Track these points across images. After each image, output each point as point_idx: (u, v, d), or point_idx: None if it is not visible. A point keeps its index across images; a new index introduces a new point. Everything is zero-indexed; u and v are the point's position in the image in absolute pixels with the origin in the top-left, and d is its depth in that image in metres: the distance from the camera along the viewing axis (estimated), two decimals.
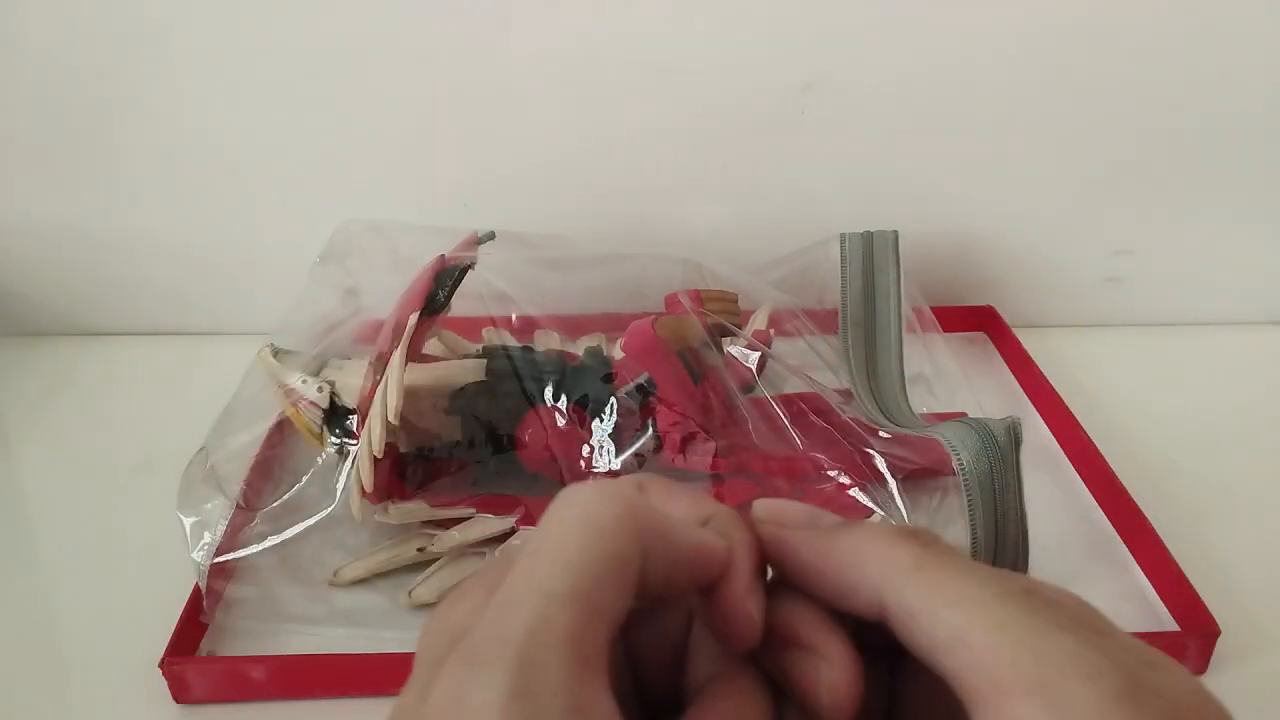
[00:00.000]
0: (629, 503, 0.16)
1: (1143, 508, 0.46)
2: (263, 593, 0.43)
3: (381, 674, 0.38)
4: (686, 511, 0.18)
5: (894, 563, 0.17)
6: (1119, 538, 0.47)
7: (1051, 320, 0.66)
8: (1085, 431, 0.52)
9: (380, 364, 0.43)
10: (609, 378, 0.47)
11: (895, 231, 0.56)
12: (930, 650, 0.16)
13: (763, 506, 0.19)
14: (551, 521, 0.16)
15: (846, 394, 0.52)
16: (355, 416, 0.44)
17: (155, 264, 0.64)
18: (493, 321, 0.53)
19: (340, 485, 0.42)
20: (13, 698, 0.40)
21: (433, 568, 0.43)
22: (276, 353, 0.48)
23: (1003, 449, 0.40)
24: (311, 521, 0.42)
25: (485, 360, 0.48)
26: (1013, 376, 0.60)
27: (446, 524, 0.44)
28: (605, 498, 0.16)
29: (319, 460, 0.45)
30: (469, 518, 0.44)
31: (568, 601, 0.15)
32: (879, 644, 0.19)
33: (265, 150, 0.59)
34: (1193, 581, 0.42)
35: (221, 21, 0.55)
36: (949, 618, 0.16)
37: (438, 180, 0.61)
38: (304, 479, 0.44)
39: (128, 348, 0.64)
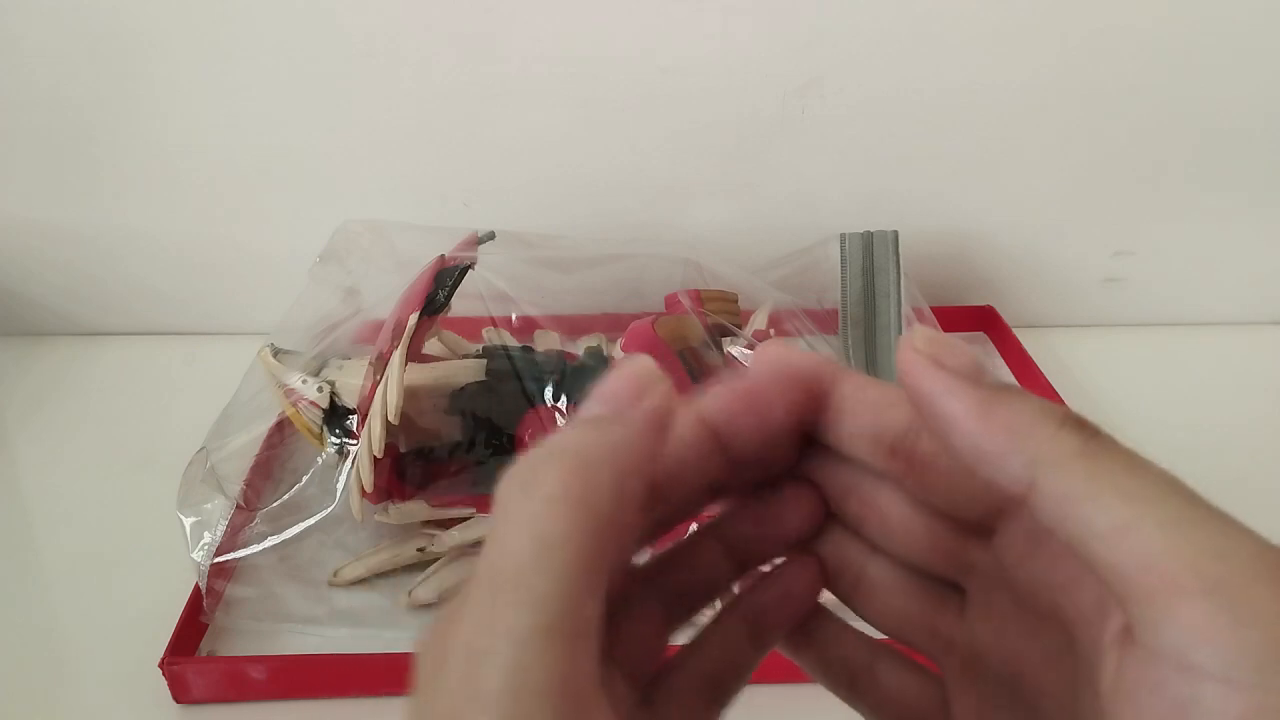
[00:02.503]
0: (573, 491, 0.15)
1: None
2: (263, 593, 0.43)
3: (381, 674, 0.38)
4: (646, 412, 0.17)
5: (1058, 443, 0.16)
6: None
7: (1051, 320, 0.66)
8: None
9: (380, 364, 0.43)
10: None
11: (895, 231, 0.56)
12: (1085, 539, 0.15)
13: (922, 337, 0.18)
14: (503, 533, 0.15)
15: None
16: (355, 416, 0.44)
17: (155, 264, 0.64)
18: (493, 321, 0.53)
19: (340, 485, 0.42)
20: (13, 697, 0.40)
21: (433, 568, 0.43)
22: (276, 353, 0.48)
23: None
24: (311, 521, 0.42)
25: (485, 360, 0.48)
26: (1013, 376, 0.60)
27: (446, 524, 0.44)
28: (549, 498, 0.15)
29: (319, 460, 0.45)
30: (469, 518, 0.44)
31: (543, 641, 0.14)
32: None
33: (266, 151, 0.59)
34: None
35: (222, 22, 0.55)
36: (1116, 508, 0.15)
37: (438, 180, 0.61)
38: (304, 479, 0.44)
39: (128, 348, 0.64)
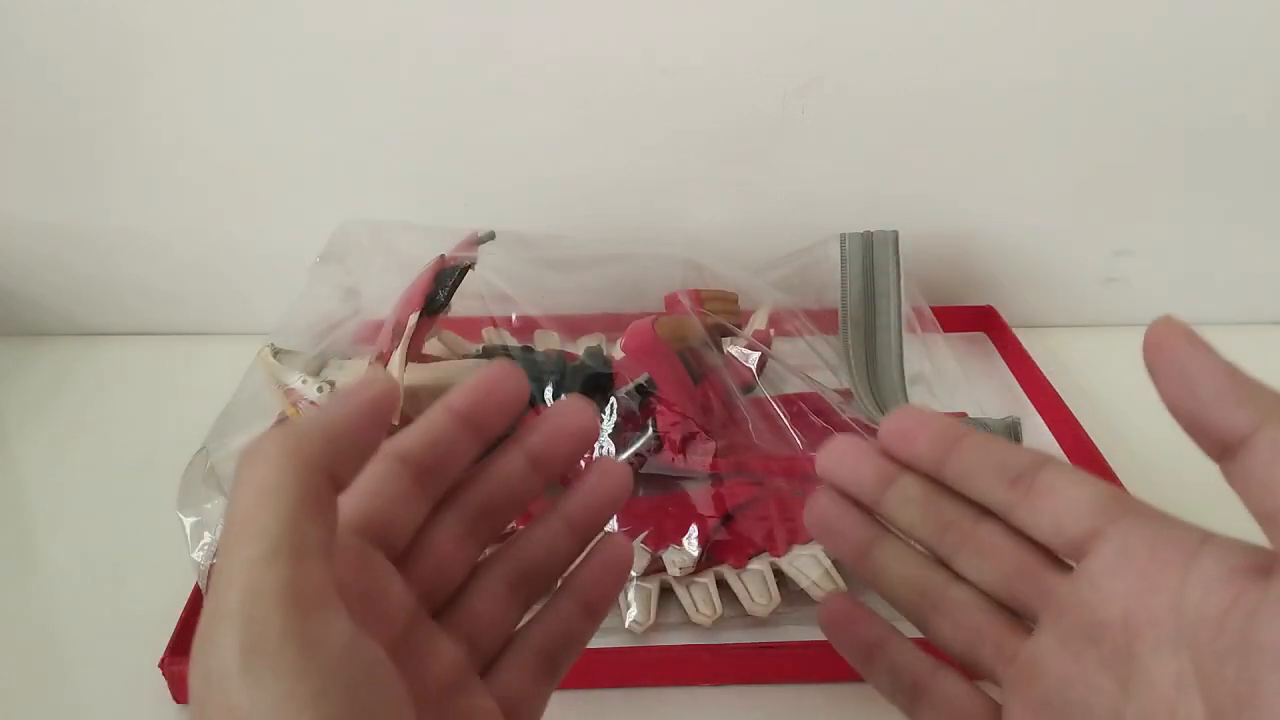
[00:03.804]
0: (285, 448, 0.19)
1: None
2: None
3: None
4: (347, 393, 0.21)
5: None
6: None
7: (1051, 320, 0.66)
8: (1085, 431, 0.52)
9: (380, 364, 0.43)
10: (609, 378, 0.47)
11: (895, 231, 0.56)
12: None
13: (1176, 319, 0.22)
14: (235, 495, 0.18)
15: (846, 394, 0.53)
16: None
17: (155, 264, 0.64)
18: (493, 321, 0.53)
19: None
20: (13, 698, 0.40)
21: None
22: (276, 353, 0.48)
23: None
24: None
25: (485, 360, 0.48)
26: (1013, 376, 0.60)
27: None
28: (265, 457, 0.18)
29: None
30: None
31: (268, 561, 0.17)
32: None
33: (265, 150, 0.59)
34: None
35: (222, 22, 0.55)
36: None
37: (438, 180, 0.61)
38: None
39: (128, 348, 0.64)
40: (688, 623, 0.41)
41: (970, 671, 0.26)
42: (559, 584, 0.26)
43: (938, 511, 0.26)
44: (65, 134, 0.58)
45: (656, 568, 0.42)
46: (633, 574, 0.41)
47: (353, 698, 0.17)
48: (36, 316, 0.65)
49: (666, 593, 0.42)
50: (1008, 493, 0.24)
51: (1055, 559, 0.24)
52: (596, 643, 0.41)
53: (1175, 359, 0.21)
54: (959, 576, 0.26)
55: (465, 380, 0.24)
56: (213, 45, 0.56)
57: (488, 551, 0.26)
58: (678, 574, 0.41)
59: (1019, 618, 0.25)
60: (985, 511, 0.25)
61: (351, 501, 0.22)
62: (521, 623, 0.26)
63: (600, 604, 0.26)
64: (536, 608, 0.27)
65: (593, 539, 0.26)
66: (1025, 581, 0.24)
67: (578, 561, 0.27)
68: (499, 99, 0.57)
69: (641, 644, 0.40)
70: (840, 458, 0.27)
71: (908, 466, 0.26)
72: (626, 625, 0.40)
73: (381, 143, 0.59)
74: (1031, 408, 0.57)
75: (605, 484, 0.26)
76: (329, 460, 0.19)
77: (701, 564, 0.42)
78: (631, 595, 0.41)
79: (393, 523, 0.22)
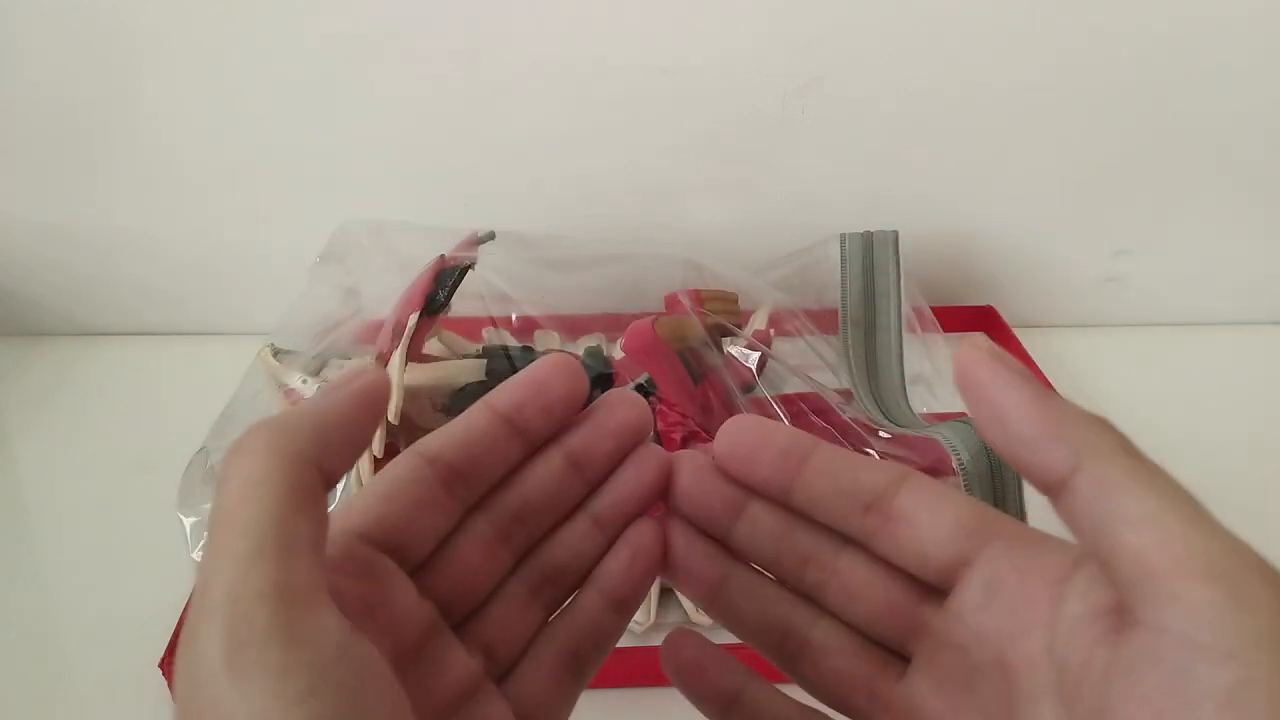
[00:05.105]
0: (272, 441, 0.18)
1: None
2: None
3: None
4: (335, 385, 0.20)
5: (1105, 438, 0.18)
6: None
7: (1051, 320, 0.66)
8: None
9: (380, 364, 0.43)
10: (609, 378, 0.47)
11: (895, 231, 0.56)
12: (1114, 523, 0.17)
13: (983, 340, 0.20)
14: (221, 490, 0.18)
15: (846, 394, 0.53)
16: None
17: (155, 264, 0.64)
18: (493, 321, 0.53)
19: (341, 486, 0.42)
20: (13, 698, 0.40)
21: None
22: (276, 353, 0.48)
23: None
24: None
25: (485, 360, 0.48)
26: None
27: None
28: (251, 451, 0.18)
29: None
30: None
31: (254, 557, 0.16)
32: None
33: (265, 150, 0.59)
34: None
35: (221, 22, 0.55)
36: (1148, 499, 0.17)
37: (437, 180, 0.61)
38: None
39: (128, 348, 0.64)
40: (688, 623, 0.41)
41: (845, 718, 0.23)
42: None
43: (793, 543, 0.23)
44: (65, 134, 0.58)
45: None
46: None
47: (344, 698, 0.16)
48: (36, 316, 0.65)
49: (666, 593, 0.42)
50: (863, 521, 0.22)
51: (926, 588, 0.22)
52: None
53: (983, 393, 0.19)
54: (825, 610, 0.23)
55: (516, 377, 0.22)
56: (213, 45, 0.56)
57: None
58: None
59: (894, 654, 0.22)
60: (847, 539, 0.22)
61: (366, 505, 0.21)
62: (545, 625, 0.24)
63: (630, 599, 0.24)
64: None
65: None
66: (895, 617, 0.22)
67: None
68: (499, 99, 0.57)
69: (641, 644, 0.40)
70: (685, 485, 0.23)
71: (754, 492, 0.23)
72: None
73: (382, 143, 0.59)
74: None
75: (641, 477, 0.23)
76: (318, 453, 0.18)
77: None
78: None
79: (412, 529, 0.21)
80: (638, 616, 0.40)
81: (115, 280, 0.64)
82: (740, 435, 0.23)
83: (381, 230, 0.53)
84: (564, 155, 0.60)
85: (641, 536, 0.23)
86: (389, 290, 0.47)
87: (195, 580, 0.17)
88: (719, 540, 0.24)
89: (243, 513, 0.17)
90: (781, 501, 0.23)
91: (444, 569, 0.22)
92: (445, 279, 0.45)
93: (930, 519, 0.21)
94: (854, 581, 0.22)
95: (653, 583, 0.24)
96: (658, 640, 0.40)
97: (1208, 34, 0.56)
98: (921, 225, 0.59)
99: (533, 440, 0.22)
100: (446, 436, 0.22)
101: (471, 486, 0.22)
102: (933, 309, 0.56)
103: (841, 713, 0.23)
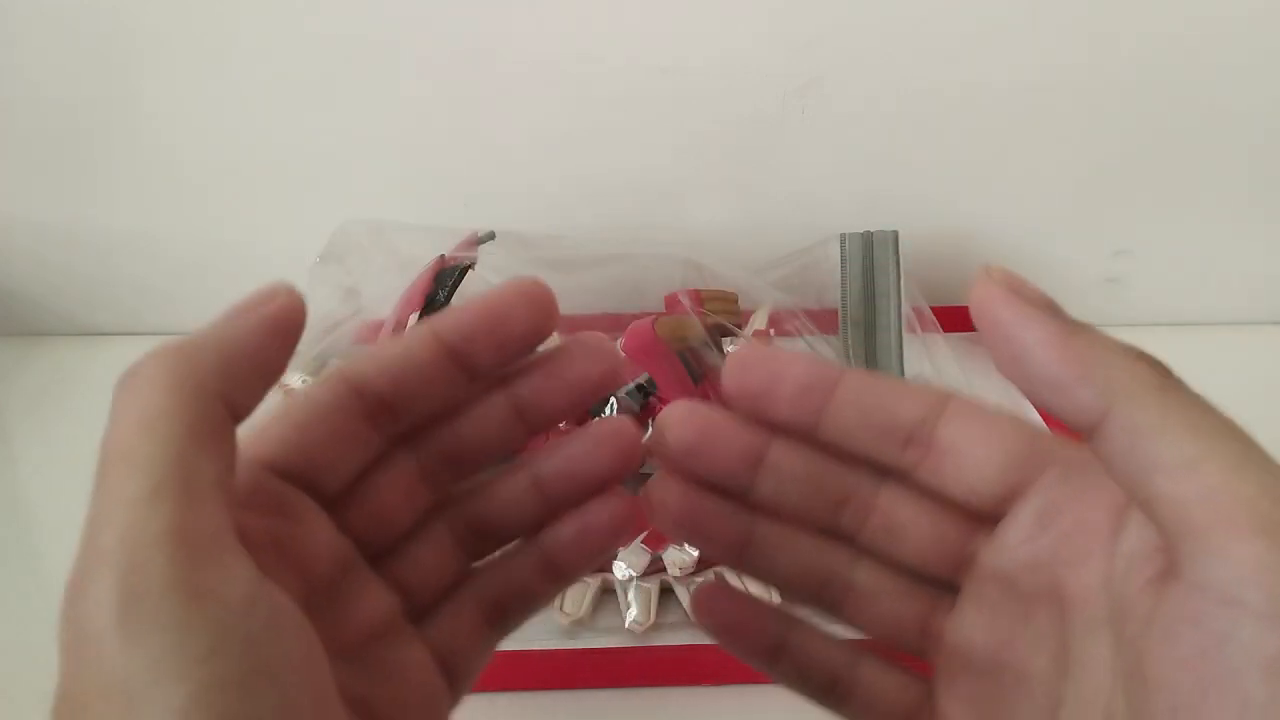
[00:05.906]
0: (172, 369, 0.16)
1: None
2: None
3: None
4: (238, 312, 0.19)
5: (1135, 376, 0.16)
6: None
7: None
8: None
9: None
10: None
11: (895, 231, 0.56)
12: (1149, 471, 0.15)
13: (998, 270, 0.18)
14: (111, 424, 0.16)
15: None
16: None
17: (155, 264, 0.64)
18: None
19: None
20: (13, 698, 0.39)
21: None
22: None
23: None
24: None
25: None
26: None
27: None
28: (147, 381, 0.16)
29: None
30: None
31: (152, 499, 0.15)
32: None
33: (265, 150, 0.59)
34: None
35: (221, 22, 0.55)
36: (1186, 443, 0.15)
37: (438, 180, 0.61)
38: None
39: (128, 348, 0.63)
40: (688, 623, 0.41)
41: (898, 654, 0.22)
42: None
43: (824, 486, 0.21)
44: (65, 134, 0.58)
45: (656, 568, 0.42)
46: (632, 574, 0.41)
47: (252, 655, 0.15)
48: (36, 316, 0.65)
49: (666, 593, 0.42)
50: (902, 454, 0.20)
51: (976, 518, 0.20)
52: (596, 643, 0.42)
53: (1001, 331, 0.18)
54: (863, 550, 0.21)
55: (474, 301, 0.19)
56: (213, 45, 0.55)
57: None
58: (678, 574, 0.41)
59: (943, 586, 0.21)
60: (884, 472, 0.20)
61: (279, 433, 0.19)
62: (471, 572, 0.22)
63: (567, 572, 0.22)
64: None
65: (565, 510, 0.22)
66: (944, 551, 0.20)
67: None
68: (499, 99, 0.57)
69: (641, 644, 0.40)
70: (690, 440, 0.20)
71: (773, 429, 0.20)
72: (626, 625, 0.40)
73: (381, 143, 0.59)
74: (1031, 408, 0.57)
75: (597, 454, 0.21)
76: (224, 384, 0.17)
77: (701, 564, 0.42)
78: (631, 595, 0.41)
79: (328, 460, 0.19)
80: (638, 617, 0.40)
81: (115, 280, 0.64)
82: (749, 370, 0.20)
83: (381, 230, 0.53)
84: (564, 155, 0.60)
85: (598, 516, 0.21)
86: (389, 290, 0.48)
87: (84, 523, 0.15)
88: (738, 494, 0.21)
89: (140, 449, 0.15)
90: (809, 437, 0.20)
91: (362, 503, 0.20)
92: (445, 279, 0.45)
93: (979, 451, 0.19)
94: (896, 519, 0.20)
95: (599, 560, 0.22)
96: (658, 640, 0.41)
97: (1208, 34, 0.56)
98: (921, 225, 0.59)
99: (477, 377, 0.20)
100: (380, 363, 0.19)
101: (399, 420, 0.20)
102: (933, 309, 0.56)
103: (894, 648, 0.22)
